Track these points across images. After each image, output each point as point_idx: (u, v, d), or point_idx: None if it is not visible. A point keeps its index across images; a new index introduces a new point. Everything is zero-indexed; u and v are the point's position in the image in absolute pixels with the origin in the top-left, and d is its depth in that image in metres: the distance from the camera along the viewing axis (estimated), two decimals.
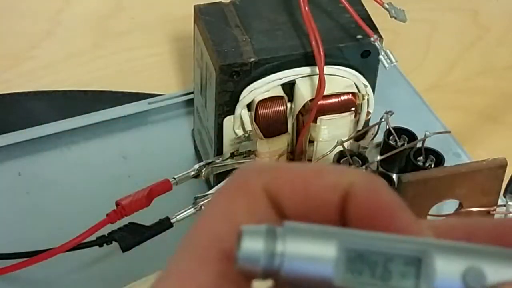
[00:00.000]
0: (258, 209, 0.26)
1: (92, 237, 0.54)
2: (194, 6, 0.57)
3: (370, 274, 0.24)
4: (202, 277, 0.25)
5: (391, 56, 0.54)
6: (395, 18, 0.56)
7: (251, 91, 0.54)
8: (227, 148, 0.57)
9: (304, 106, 0.55)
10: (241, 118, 0.55)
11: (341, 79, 0.56)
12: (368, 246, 0.24)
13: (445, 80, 0.74)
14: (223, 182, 0.27)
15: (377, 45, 0.54)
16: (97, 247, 0.54)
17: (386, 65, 0.54)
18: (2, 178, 0.63)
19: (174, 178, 0.55)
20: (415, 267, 0.24)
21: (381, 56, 0.54)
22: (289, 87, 0.55)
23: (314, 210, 0.26)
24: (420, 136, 0.55)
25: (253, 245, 0.24)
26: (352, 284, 0.24)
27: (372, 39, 0.54)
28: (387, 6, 0.56)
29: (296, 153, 0.58)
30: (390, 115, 0.56)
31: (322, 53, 0.53)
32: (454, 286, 0.23)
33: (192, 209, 0.55)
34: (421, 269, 0.24)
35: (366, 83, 0.56)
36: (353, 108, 0.56)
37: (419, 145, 0.55)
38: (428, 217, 0.51)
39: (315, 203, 0.26)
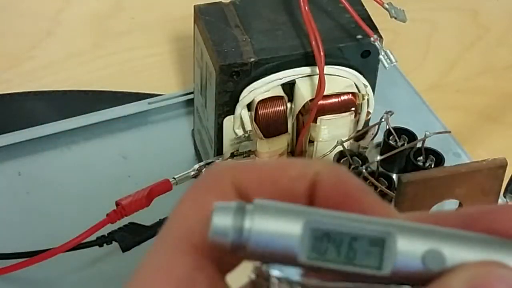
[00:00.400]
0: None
1: (92, 237, 0.54)
2: (194, 6, 0.57)
3: (336, 253, 0.25)
4: (177, 269, 0.26)
5: (391, 56, 0.54)
6: (395, 18, 0.56)
7: (251, 91, 0.54)
8: (227, 148, 0.57)
9: (304, 106, 0.55)
10: (241, 118, 0.55)
11: (341, 79, 0.56)
12: (334, 225, 0.25)
13: (445, 80, 0.74)
14: (195, 181, 0.28)
15: (377, 45, 0.54)
16: (97, 247, 0.54)
17: (386, 65, 0.54)
18: (2, 178, 0.63)
19: (174, 178, 0.55)
20: (379, 247, 0.24)
21: (381, 56, 0.54)
22: (289, 87, 0.55)
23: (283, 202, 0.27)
24: (420, 136, 0.55)
25: (222, 220, 0.25)
26: (317, 262, 0.25)
27: (372, 39, 0.54)
28: (387, 6, 0.56)
29: (296, 153, 0.58)
30: (390, 115, 0.56)
31: (322, 53, 0.53)
32: (414, 266, 0.24)
33: None
34: (384, 249, 0.24)
35: (366, 83, 0.56)
36: (353, 108, 0.56)
37: (419, 145, 0.55)
38: None
39: (283, 194, 0.27)
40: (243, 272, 0.28)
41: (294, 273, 0.25)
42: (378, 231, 0.25)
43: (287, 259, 0.25)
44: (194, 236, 0.26)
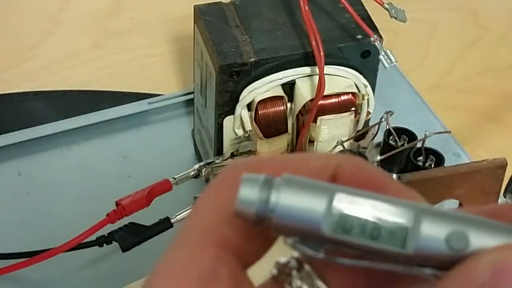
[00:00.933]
0: None
1: (92, 237, 0.54)
2: (194, 6, 0.57)
3: (360, 231, 0.25)
4: (199, 262, 0.26)
5: (391, 56, 0.54)
6: (395, 18, 0.56)
7: (251, 91, 0.54)
8: (227, 148, 0.57)
9: (304, 106, 0.55)
10: (241, 118, 0.55)
11: (341, 79, 0.56)
12: (360, 203, 0.25)
13: (445, 80, 0.74)
14: (214, 178, 0.28)
15: (377, 45, 0.54)
16: (97, 247, 0.54)
17: (386, 65, 0.54)
18: (2, 178, 0.63)
19: (174, 178, 0.55)
20: (404, 227, 0.25)
21: (381, 56, 0.54)
22: (289, 87, 0.55)
23: None
24: (420, 136, 0.55)
25: (249, 191, 0.25)
26: (341, 237, 0.25)
27: (372, 39, 0.54)
28: (387, 6, 0.56)
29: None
30: (390, 115, 0.56)
31: (322, 53, 0.53)
32: (438, 247, 0.24)
33: None
34: (408, 229, 0.25)
35: (366, 83, 0.56)
36: (353, 108, 0.56)
37: (419, 145, 0.55)
38: None
39: None
40: (264, 267, 0.28)
41: (316, 250, 0.25)
42: (403, 211, 0.25)
43: (311, 233, 0.25)
44: (216, 230, 0.26)
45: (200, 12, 0.57)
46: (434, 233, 0.24)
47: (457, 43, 0.77)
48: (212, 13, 0.56)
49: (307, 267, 0.27)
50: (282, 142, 0.56)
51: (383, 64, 0.54)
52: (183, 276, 0.26)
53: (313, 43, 0.53)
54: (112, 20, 0.77)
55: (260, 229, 0.26)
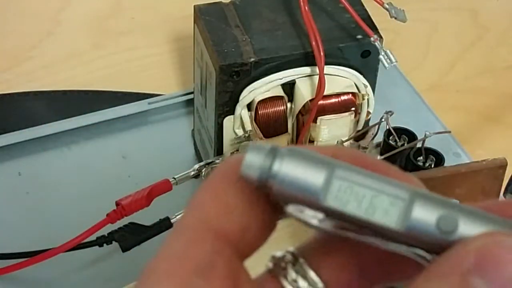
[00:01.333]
0: (245, 191, 0.27)
1: (92, 237, 0.54)
2: (194, 6, 0.57)
3: (356, 205, 0.26)
4: (197, 255, 0.26)
5: (391, 56, 0.54)
6: (395, 18, 0.56)
7: (251, 91, 0.54)
8: (227, 148, 0.57)
9: (304, 106, 0.55)
10: (241, 118, 0.55)
11: (341, 79, 0.56)
12: (359, 179, 0.26)
13: (445, 80, 0.74)
14: (211, 172, 0.29)
15: (377, 45, 0.54)
16: (97, 247, 0.54)
17: (386, 65, 0.54)
18: (2, 178, 0.63)
19: (174, 178, 0.55)
20: (398, 207, 0.26)
21: (381, 56, 0.54)
22: (289, 87, 0.55)
23: None
24: (420, 136, 0.55)
25: (254, 158, 0.26)
26: (338, 208, 0.26)
27: (372, 39, 0.54)
28: (387, 6, 0.56)
29: None
30: (390, 115, 0.56)
31: (322, 53, 0.53)
32: (428, 227, 0.25)
33: None
34: (402, 208, 0.26)
35: (366, 83, 0.56)
36: (353, 108, 0.56)
37: (419, 145, 0.55)
38: None
39: None
40: (260, 261, 0.29)
41: (313, 217, 0.26)
42: (400, 191, 0.26)
43: (309, 203, 0.26)
44: (213, 222, 0.27)
45: (200, 12, 0.57)
46: (426, 213, 0.25)
47: (457, 43, 0.77)
48: (212, 13, 0.56)
49: (301, 261, 0.28)
50: (282, 142, 0.56)
51: (383, 64, 0.54)
52: (180, 267, 0.26)
53: (313, 43, 0.53)
54: (112, 20, 0.77)
55: (261, 207, 0.27)
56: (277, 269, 0.28)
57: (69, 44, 0.74)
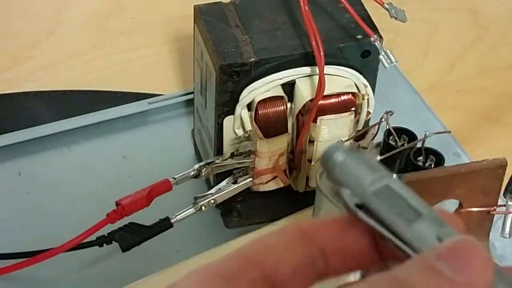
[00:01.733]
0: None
1: (92, 237, 0.54)
2: (194, 6, 0.57)
3: (399, 212, 0.29)
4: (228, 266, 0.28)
5: (391, 56, 0.54)
6: (395, 18, 0.56)
7: (251, 91, 0.54)
8: (227, 148, 0.57)
9: (304, 106, 0.55)
10: (241, 118, 0.55)
11: (341, 79, 0.56)
12: (407, 195, 0.30)
13: (445, 80, 0.74)
14: None
15: (377, 45, 0.54)
16: (97, 247, 0.54)
17: (386, 65, 0.54)
18: (2, 178, 0.63)
19: (174, 178, 0.55)
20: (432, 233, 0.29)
21: (381, 56, 0.54)
22: (289, 87, 0.55)
23: None
24: (420, 136, 0.55)
25: (331, 150, 0.31)
26: (381, 207, 0.29)
27: (372, 39, 0.54)
28: (387, 6, 0.56)
29: (296, 153, 0.58)
30: (390, 115, 0.56)
31: (322, 53, 0.53)
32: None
33: (192, 209, 0.55)
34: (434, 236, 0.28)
35: (366, 83, 0.56)
36: (353, 108, 0.56)
37: (419, 145, 0.55)
38: None
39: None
40: None
41: (352, 202, 0.30)
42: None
43: (356, 190, 0.30)
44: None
45: (200, 12, 0.57)
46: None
47: (457, 43, 0.77)
48: (212, 13, 0.56)
49: None
50: (282, 142, 0.56)
51: (383, 64, 0.54)
52: (207, 271, 0.28)
53: (313, 43, 0.53)
54: (112, 20, 0.77)
55: None
56: None
57: (69, 44, 0.74)
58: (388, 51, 0.54)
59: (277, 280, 0.29)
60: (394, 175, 0.32)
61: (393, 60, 0.54)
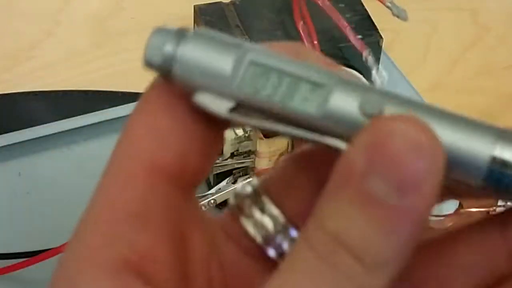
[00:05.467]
0: (178, 110, 0.25)
1: None
2: (194, 6, 0.57)
3: (271, 92, 0.23)
4: (129, 198, 0.24)
5: (383, 72, 0.54)
6: (398, 16, 0.56)
7: None
8: (227, 148, 0.57)
9: None
10: None
11: None
12: (277, 64, 0.23)
13: (445, 80, 0.74)
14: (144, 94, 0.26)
15: (369, 60, 0.54)
16: None
17: (379, 82, 0.54)
18: (2, 178, 0.63)
19: None
20: (318, 93, 0.23)
21: (373, 72, 0.54)
22: None
23: None
24: None
25: (157, 40, 0.24)
26: (250, 97, 0.23)
27: (364, 54, 0.54)
28: (389, 4, 0.56)
29: None
30: None
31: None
32: (350, 111, 0.23)
33: None
34: (321, 93, 0.23)
35: (366, 83, 0.56)
36: None
37: None
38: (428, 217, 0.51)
39: None
40: None
41: (223, 107, 0.24)
42: (319, 77, 0.23)
43: (219, 90, 0.23)
44: (145, 155, 0.24)
45: (200, 12, 0.57)
46: (348, 96, 0.23)
47: (457, 43, 0.77)
48: (212, 13, 0.56)
49: (263, 196, 0.26)
50: (282, 142, 0.56)
51: (376, 81, 0.55)
52: (110, 216, 0.24)
53: (315, 42, 0.53)
54: (112, 20, 0.76)
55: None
56: (239, 205, 0.26)
57: (69, 44, 0.74)
58: (380, 68, 0.54)
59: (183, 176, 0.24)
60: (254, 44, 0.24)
61: (385, 77, 0.54)
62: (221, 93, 0.23)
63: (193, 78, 0.24)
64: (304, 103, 0.23)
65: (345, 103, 0.23)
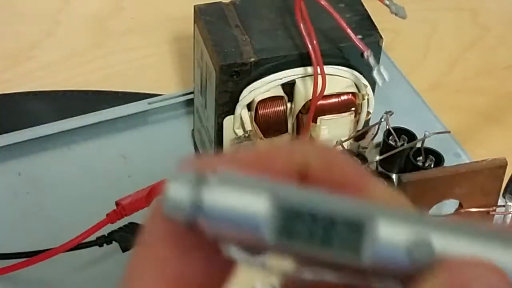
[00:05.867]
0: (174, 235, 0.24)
1: (92, 237, 0.54)
2: (194, 6, 0.57)
3: (308, 236, 0.21)
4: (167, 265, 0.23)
5: (384, 73, 0.54)
6: (396, 14, 0.56)
7: (251, 91, 0.54)
8: (227, 148, 0.57)
9: (304, 106, 0.55)
10: (241, 118, 0.55)
11: (341, 79, 0.56)
12: (308, 204, 0.22)
13: (445, 80, 0.74)
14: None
15: (370, 60, 0.54)
16: (97, 247, 0.54)
17: (380, 82, 0.54)
18: (2, 178, 0.63)
19: None
20: (358, 232, 0.21)
21: (374, 73, 0.54)
22: (289, 87, 0.55)
23: None
24: (420, 136, 0.55)
25: (178, 192, 0.22)
26: (286, 245, 0.22)
27: (365, 54, 0.54)
28: (387, 2, 0.56)
29: None
30: (390, 115, 0.56)
31: (321, 53, 0.53)
32: (398, 256, 0.21)
33: None
34: (363, 234, 0.21)
35: (366, 83, 0.56)
36: (353, 108, 0.56)
37: (418, 145, 0.55)
38: None
39: None
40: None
41: (258, 261, 0.22)
42: (357, 213, 0.21)
43: (251, 240, 0.22)
44: (168, 266, 0.23)
45: (200, 12, 0.57)
46: (393, 240, 0.21)
47: (457, 43, 0.77)
48: (212, 13, 0.56)
49: None
50: (282, 142, 0.56)
51: (377, 81, 0.55)
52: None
53: (314, 42, 0.53)
54: (112, 20, 0.76)
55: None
56: None
57: (69, 44, 0.74)
58: (381, 68, 0.54)
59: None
60: (281, 184, 0.22)
61: (386, 78, 0.54)
62: (255, 245, 0.22)
63: (222, 230, 0.22)
64: (344, 244, 0.21)
65: (389, 248, 0.21)
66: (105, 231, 0.54)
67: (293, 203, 0.21)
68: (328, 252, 0.21)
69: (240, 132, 0.56)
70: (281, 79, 0.54)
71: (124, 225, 0.55)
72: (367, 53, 0.54)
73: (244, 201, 0.21)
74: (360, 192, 0.23)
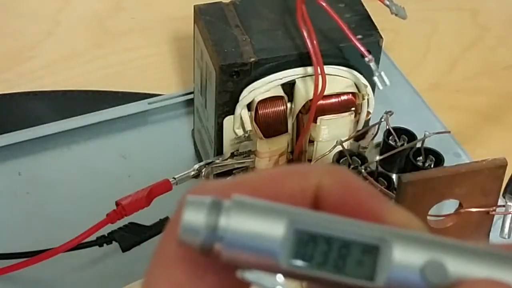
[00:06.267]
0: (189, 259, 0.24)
1: (92, 237, 0.54)
2: (194, 6, 0.57)
3: (322, 260, 0.22)
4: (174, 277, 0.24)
5: (385, 78, 0.54)
6: (396, 14, 0.56)
7: (251, 91, 0.54)
8: (227, 148, 0.57)
9: (304, 106, 0.55)
10: (241, 118, 0.55)
11: (341, 79, 0.56)
12: (322, 228, 0.22)
13: (445, 80, 0.74)
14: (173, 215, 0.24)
15: (372, 65, 0.54)
16: (97, 247, 0.54)
17: (381, 86, 0.54)
18: (2, 178, 0.63)
19: (174, 178, 0.55)
20: (372, 255, 0.22)
21: (375, 77, 0.54)
22: (289, 87, 0.55)
23: None
24: (419, 136, 0.55)
25: (194, 216, 0.22)
26: (301, 270, 0.22)
27: (367, 59, 0.54)
28: (387, 2, 0.56)
29: (295, 153, 0.58)
30: (390, 115, 0.56)
31: (321, 53, 0.53)
32: (412, 279, 0.22)
33: None
34: (378, 258, 0.22)
35: (366, 83, 0.56)
36: (353, 108, 0.56)
37: (418, 145, 0.55)
38: (428, 217, 0.51)
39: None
40: None
41: (275, 281, 0.22)
42: (372, 237, 0.22)
43: (267, 265, 0.22)
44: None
45: (200, 12, 0.57)
46: (406, 263, 0.22)
47: (457, 43, 0.77)
48: (212, 13, 0.56)
49: None
50: (282, 142, 0.56)
51: (378, 86, 0.55)
52: None
53: (314, 42, 0.53)
54: (112, 20, 0.77)
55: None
56: None
57: (69, 44, 0.74)
58: (382, 73, 0.54)
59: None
60: (302, 209, 0.22)
61: (387, 82, 0.54)
62: (271, 269, 0.22)
63: (238, 254, 0.22)
64: (358, 268, 0.22)
65: (403, 271, 0.22)
66: (105, 231, 0.54)
67: (307, 228, 0.22)
68: (342, 275, 0.22)
69: (240, 132, 0.56)
70: (281, 79, 0.54)
71: (124, 225, 0.55)
72: (369, 58, 0.54)
73: (260, 227, 0.22)
74: (375, 215, 0.23)
